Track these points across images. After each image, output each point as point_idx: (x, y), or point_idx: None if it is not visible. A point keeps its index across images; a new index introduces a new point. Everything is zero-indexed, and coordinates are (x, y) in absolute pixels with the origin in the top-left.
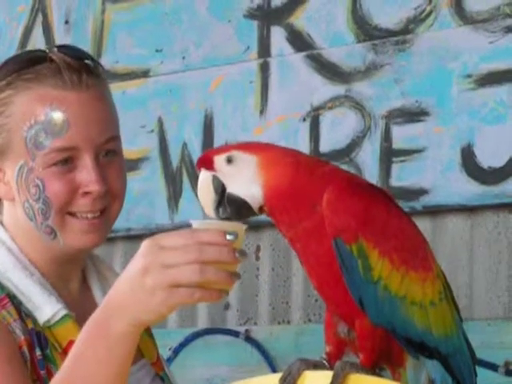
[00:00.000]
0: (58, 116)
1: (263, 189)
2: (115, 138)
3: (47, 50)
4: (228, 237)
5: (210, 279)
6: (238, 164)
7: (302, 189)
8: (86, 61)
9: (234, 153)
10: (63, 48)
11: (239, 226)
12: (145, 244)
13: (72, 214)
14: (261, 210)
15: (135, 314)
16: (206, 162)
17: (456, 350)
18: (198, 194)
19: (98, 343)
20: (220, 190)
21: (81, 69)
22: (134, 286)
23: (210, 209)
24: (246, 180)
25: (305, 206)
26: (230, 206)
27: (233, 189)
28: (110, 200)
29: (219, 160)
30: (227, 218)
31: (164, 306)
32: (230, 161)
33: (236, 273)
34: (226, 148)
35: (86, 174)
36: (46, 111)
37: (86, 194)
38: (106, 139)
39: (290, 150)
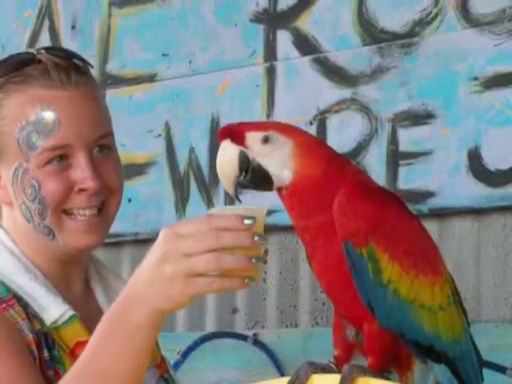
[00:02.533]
0: (48, 115)
1: (294, 174)
2: (108, 134)
3: (35, 52)
4: (246, 221)
5: (227, 267)
6: (273, 145)
7: (329, 183)
8: (74, 60)
9: (272, 133)
10: (51, 49)
11: (259, 211)
12: (163, 232)
13: (69, 213)
14: (278, 189)
15: (154, 303)
16: (236, 136)
17: (463, 354)
18: (220, 165)
19: (117, 334)
20: (245, 166)
21: (69, 68)
22: (152, 275)
23: (230, 184)
24: (279, 162)
25: (325, 200)
26: (253, 175)
27: (262, 164)
28: (108, 195)
29: (254, 137)
30: (243, 186)
31: (183, 295)
32: (266, 140)
33: (259, 257)
34: (262, 126)
35: (81, 172)
36: (37, 111)
37: (82, 190)
38: (99, 136)
39: (321, 140)
